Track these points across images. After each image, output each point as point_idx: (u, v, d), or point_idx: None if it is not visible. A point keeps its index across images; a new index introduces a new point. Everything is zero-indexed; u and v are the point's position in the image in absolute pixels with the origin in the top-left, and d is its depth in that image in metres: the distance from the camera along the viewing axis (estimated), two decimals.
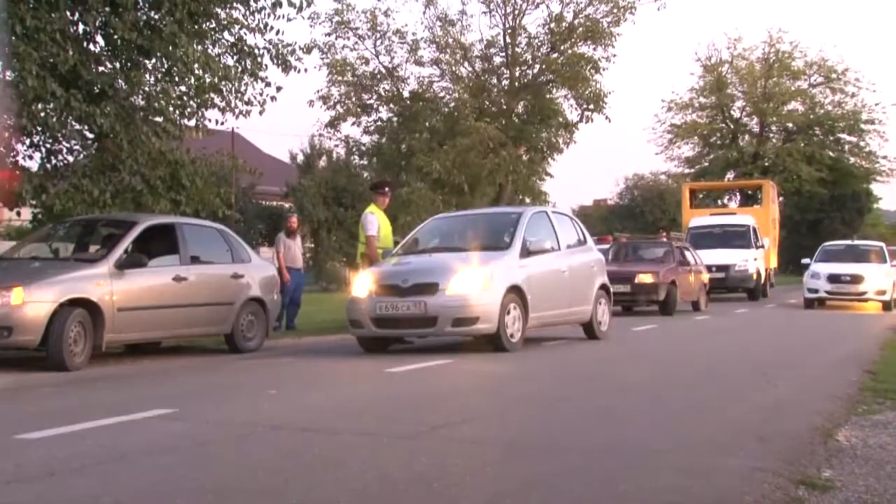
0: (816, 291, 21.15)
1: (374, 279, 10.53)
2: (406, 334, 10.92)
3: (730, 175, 46.00)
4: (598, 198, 60.68)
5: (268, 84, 13.86)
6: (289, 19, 13.68)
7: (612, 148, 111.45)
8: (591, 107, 28.35)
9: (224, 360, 10.39)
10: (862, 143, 46.13)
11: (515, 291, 10.46)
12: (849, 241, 25.81)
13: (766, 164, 44.63)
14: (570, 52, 28.33)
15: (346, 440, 5.19)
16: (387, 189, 12.73)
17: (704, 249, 23.05)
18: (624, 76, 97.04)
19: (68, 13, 11.61)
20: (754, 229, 26.04)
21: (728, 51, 46.02)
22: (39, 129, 11.86)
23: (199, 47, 12.80)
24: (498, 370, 8.86)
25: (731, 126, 46.92)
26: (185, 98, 13.30)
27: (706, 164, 47.16)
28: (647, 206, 50.87)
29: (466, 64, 29.70)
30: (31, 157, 12.81)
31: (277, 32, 13.73)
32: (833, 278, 21.12)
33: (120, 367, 9.73)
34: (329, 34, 28.80)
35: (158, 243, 10.63)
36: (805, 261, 23.20)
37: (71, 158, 13.02)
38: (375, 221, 12.04)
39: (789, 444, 5.12)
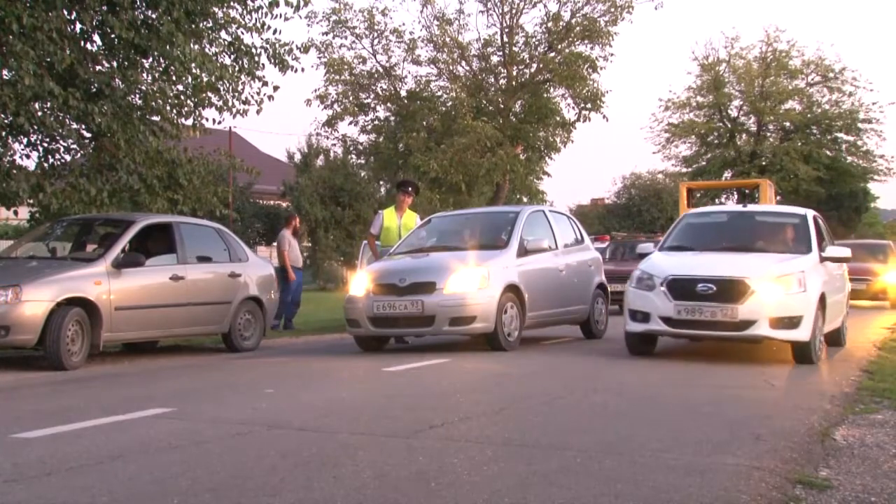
0: (646, 319, 9.53)
1: (372, 278, 10.54)
2: (403, 333, 10.94)
3: (727, 174, 45.99)
4: (596, 197, 60.82)
5: (265, 83, 13.87)
6: (286, 18, 13.70)
7: (609, 147, 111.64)
8: (589, 106, 28.34)
9: (221, 360, 10.39)
10: (859, 143, 46.10)
11: (513, 290, 10.48)
12: (739, 208, 12.23)
13: (764, 163, 44.64)
14: (567, 51, 28.31)
15: (343, 439, 5.19)
16: (409, 189, 12.92)
17: None
18: (621, 75, 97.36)
19: (65, 12, 11.59)
20: None
21: (725, 50, 46.00)
22: (36, 127, 11.85)
23: (196, 46, 12.79)
24: (495, 369, 8.86)
25: (729, 125, 46.89)
26: (182, 97, 13.30)
27: (703, 163, 47.13)
28: (645, 205, 50.86)
29: (464, 63, 29.69)
30: (28, 156, 12.83)
31: (274, 32, 13.74)
32: (681, 289, 9.33)
33: (117, 366, 9.72)
34: (326, 33, 28.80)
35: (156, 242, 10.64)
36: (643, 247, 11.32)
37: (68, 157, 13.03)
38: (378, 221, 12.43)
39: (787, 443, 5.12)
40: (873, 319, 16.53)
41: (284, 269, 14.40)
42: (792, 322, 9.10)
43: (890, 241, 26.61)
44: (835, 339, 11.00)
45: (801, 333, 9.13)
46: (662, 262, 10.04)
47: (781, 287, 9.18)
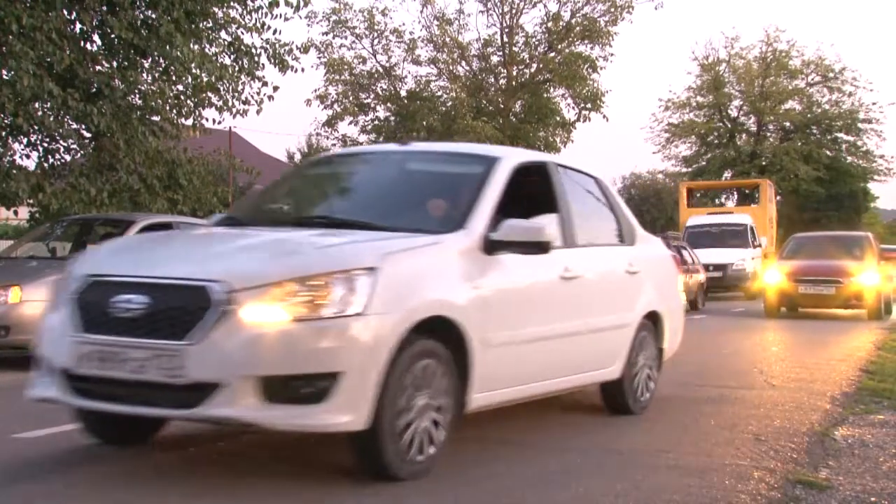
0: (51, 371, 4.38)
1: None
2: None
3: (727, 174, 46.02)
4: None
5: (265, 83, 13.89)
6: (286, 18, 13.71)
7: (609, 147, 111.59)
8: (589, 106, 28.39)
9: None
10: (859, 143, 46.17)
11: None
12: (390, 146, 6.48)
13: (764, 163, 44.66)
14: (567, 51, 28.36)
15: (343, 439, 5.17)
16: None
17: (702, 248, 23.03)
18: (621, 75, 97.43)
19: (65, 12, 11.59)
20: (752, 228, 26.02)
21: (725, 50, 46.04)
22: (36, 128, 11.86)
23: (196, 47, 12.80)
24: None
25: (729, 125, 46.92)
26: (181, 97, 13.31)
27: (703, 163, 47.16)
28: (645, 205, 50.88)
29: (464, 63, 29.73)
30: (28, 157, 12.83)
31: (274, 32, 13.76)
32: (96, 306, 4.05)
33: None
34: (326, 33, 28.86)
35: None
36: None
37: (68, 157, 13.04)
38: None
39: (786, 444, 5.12)
40: (868, 324, 16.32)
41: None
42: (314, 388, 3.86)
43: (869, 232, 21.77)
44: (612, 394, 6.01)
45: (338, 413, 3.91)
46: (104, 250, 5.03)
47: (294, 305, 3.87)
